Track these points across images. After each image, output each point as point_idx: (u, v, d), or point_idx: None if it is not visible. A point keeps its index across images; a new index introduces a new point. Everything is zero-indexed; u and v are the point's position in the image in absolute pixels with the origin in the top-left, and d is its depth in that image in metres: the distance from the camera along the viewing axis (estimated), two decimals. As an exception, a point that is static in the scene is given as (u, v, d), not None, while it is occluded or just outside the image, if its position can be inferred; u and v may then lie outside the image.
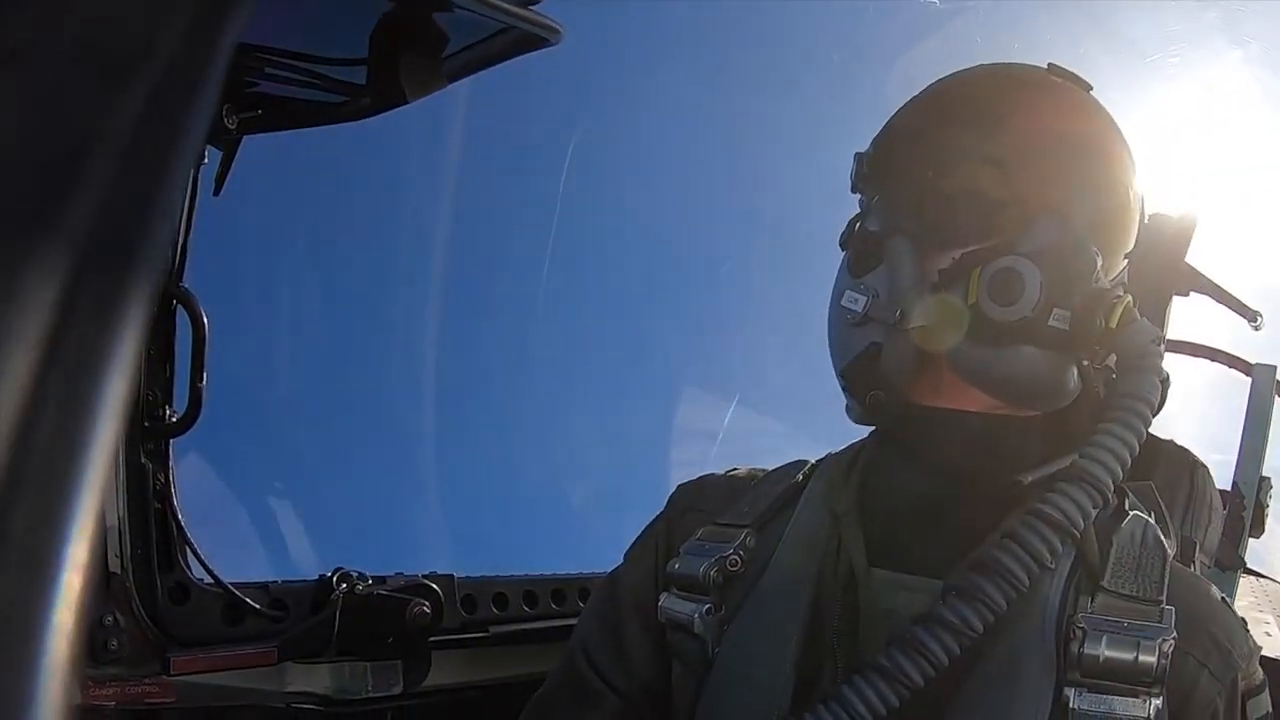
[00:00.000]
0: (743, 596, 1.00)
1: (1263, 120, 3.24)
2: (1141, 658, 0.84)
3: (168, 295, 1.39)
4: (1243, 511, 1.61)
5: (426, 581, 1.56)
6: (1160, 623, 0.87)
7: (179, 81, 0.35)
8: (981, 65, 1.04)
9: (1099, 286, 0.91)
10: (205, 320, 1.39)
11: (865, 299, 0.98)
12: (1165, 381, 0.93)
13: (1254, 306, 1.60)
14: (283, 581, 1.53)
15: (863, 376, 1.00)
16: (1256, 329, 1.61)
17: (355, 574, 1.55)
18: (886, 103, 1.07)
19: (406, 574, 1.61)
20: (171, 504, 1.40)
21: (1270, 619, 2.16)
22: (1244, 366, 1.71)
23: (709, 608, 1.00)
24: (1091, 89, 1.02)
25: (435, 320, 2.97)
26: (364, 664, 1.51)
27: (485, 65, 1.28)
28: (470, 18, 1.16)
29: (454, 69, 1.28)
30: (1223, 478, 1.56)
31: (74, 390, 0.32)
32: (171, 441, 1.42)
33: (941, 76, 1.05)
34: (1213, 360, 1.75)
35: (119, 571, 1.34)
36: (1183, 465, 1.39)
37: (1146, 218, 1.05)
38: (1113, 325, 0.89)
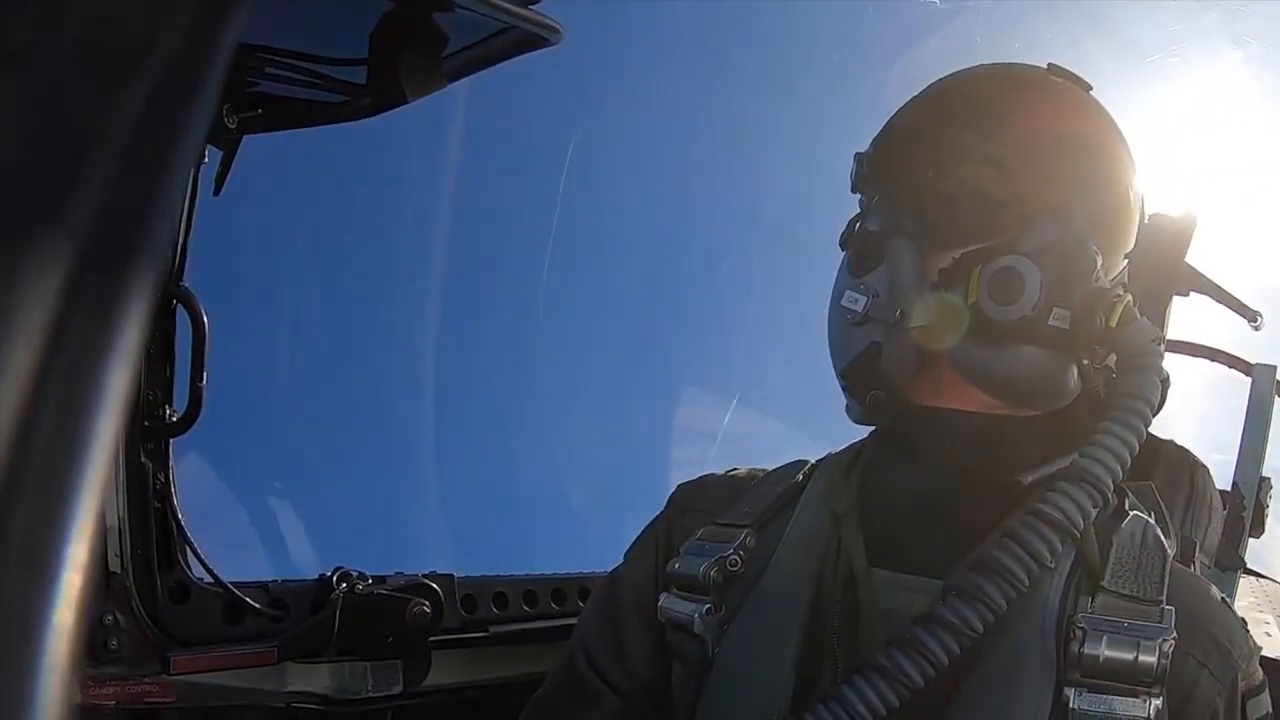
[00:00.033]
0: (743, 596, 1.00)
1: (1263, 120, 3.24)
2: (1141, 658, 0.84)
3: (168, 294, 1.39)
4: (1243, 512, 1.61)
5: (426, 581, 1.56)
6: (1160, 623, 0.86)
7: (179, 81, 0.35)
8: (982, 65, 1.04)
9: (1099, 286, 0.91)
10: (205, 319, 1.39)
11: (865, 299, 0.98)
12: (1165, 381, 0.93)
13: (1254, 306, 1.60)
14: (283, 581, 1.53)
15: (863, 376, 1.00)
16: (1257, 329, 1.61)
17: (355, 573, 1.55)
18: (886, 103, 1.07)
19: (406, 574, 1.60)
20: (171, 503, 1.40)
21: (1270, 619, 2.16)
22: (1244, 367, 1.71)
23: (709, 608, 1.00)
24: (1091, 89, 1.02)
25: (435, 320, 2.97)
26: (364, 664, 1.51)
27: (485, 65, 1.28)
28: (470, 17, 1.16)
29: (454, 69, 1.28)
30: (1223, 478, 1.56)
31: (74, 389, 0.32)
32: (171, 441, 1.42)
33: (942, 76, 1.05)
34: (1213, 360, 1.75)
35: (119, 571, 1.34)
36: (1183, 465, 1.39)
37: (1146, 218, 1.05)
38: (1113, 324, 0.89)
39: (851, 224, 1.05)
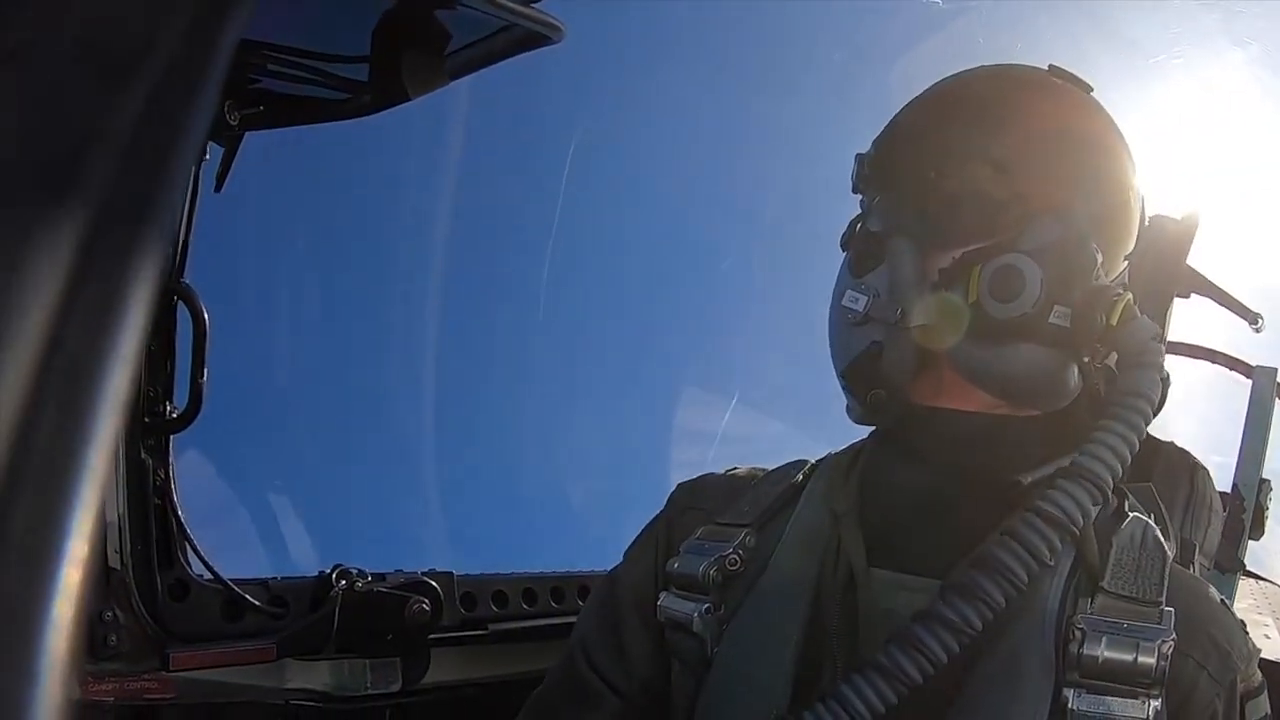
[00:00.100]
0: (742, 596, 1.00)
1: (1263, 120, 3.23)
2: (1140, 659, 0.84)
3: (169, 291, 1.39)
4: (1242, 514, 1.61)
5: (426, 579, 1.56)
6: (1159, 624, 0.86)
7: (179, 81, 0.35)
8: (983, 66, 1.04)
9: (1100, 283, 0.91)
10: (206, 316, 1.39)
11: (866, 298, 0.98)
12: (1165, 380, 0.93)
13: (1254, 307, 1.60)
14: (282, 578, 1.53)
15: (863, 376, 1.00)
16: (1257, 331, 1.61)
17: (355, 571, 1.55)
18: (887, 103, 1.07)
19: (406, 571, 1.61)
20: (171, 500, 1.40)
21: (1269, 621, 2.16)
22: (1244, 369, 1.71)
23: (708, 607, 1.00)
24: (1092, 90, 1.02)
25: (435, 320, 2.97)
26: (363, 661, 1.51)
27: (487, 63, 1.28)
28: (472, 15, 1.16)
29: (456, 67, 1.28)
30: (1222, 480, 1.56)
31: (74, 386, 0.32)
32: (172, 437, 1.42)
33: (943, 77, 1.05)
34: (1213, 362, 1.75)
35: (119, 567, 1.34)
36: (1183, 467, 1.39)
37: (1148, 219, 1.05)
38: (1113, 322, 0.89)
39: (852, 224, 1.06)
